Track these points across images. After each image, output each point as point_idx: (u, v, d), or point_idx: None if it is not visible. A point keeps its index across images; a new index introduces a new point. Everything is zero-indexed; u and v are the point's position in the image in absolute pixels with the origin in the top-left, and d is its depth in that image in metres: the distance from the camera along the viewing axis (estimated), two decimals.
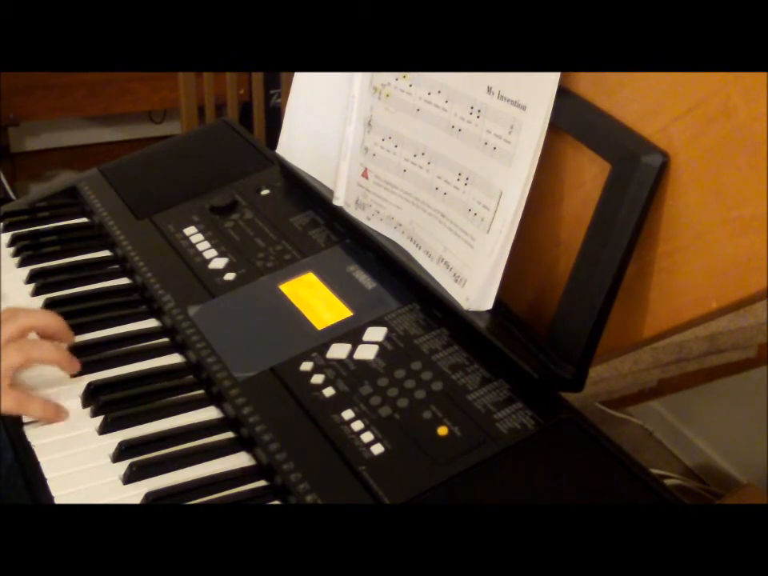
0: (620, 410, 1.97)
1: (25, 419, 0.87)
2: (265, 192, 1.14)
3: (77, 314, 1.00)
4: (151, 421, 0.87)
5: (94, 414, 0.88)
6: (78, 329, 0.97)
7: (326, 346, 0.89)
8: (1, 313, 0.88)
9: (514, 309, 0.89)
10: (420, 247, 0.95)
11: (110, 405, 0.88)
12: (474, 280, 0.87)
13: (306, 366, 0.88)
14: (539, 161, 0.83)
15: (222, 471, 0.81)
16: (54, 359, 0.89)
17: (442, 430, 0.79)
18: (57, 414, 0.87)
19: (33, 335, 0.90)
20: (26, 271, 1.08)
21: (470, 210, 0.89)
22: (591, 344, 0.81)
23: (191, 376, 0.92)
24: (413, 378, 0.84)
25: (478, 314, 0.87)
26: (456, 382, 0.83)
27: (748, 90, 0.73)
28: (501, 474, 0.76)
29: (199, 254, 1.05)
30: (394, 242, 0.98)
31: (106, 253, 1.12)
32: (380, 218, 1.00)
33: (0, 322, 0.86)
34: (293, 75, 1.12)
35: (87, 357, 0.93)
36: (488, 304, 0.87)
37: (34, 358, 0.87)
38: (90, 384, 0.90)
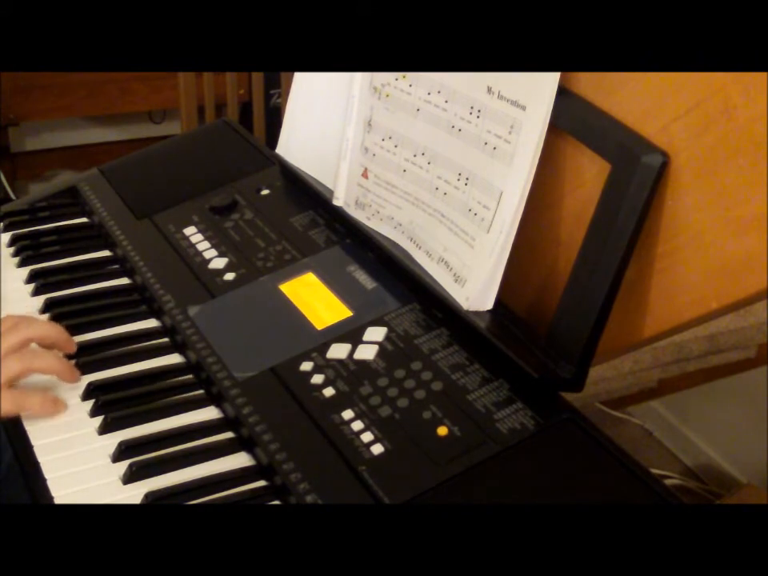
0: (620, 410, 1.97)
1: (23, 415, 0.87)
2: (265, 192, 1.14)
3: (77, 313, 1.00)
4: (151, 421, 0.87)
5: (94, 414, 0.88)
6: (78, 329, 0.97)
7: (326, 346, 0.89)
8: (1, 322, 0.88)
9: (514, 309, 0.89)
10: (420, 247, 0.95)
11: (110, 405, 0.88)
12: (473, 280, 0.87)
13: (306, 366, 0.88)
14: (539, 161, 0.83)
15: (221, 471, 0.81)
16: (55, 369, 0.89)
17: (442, 430, 0.79)
18: (55, 407, 0.88)
19: (34, 345, 0.90)
20: (26, 271, 1.08)
21: (470, 210, 0.89)
22: (591, 344, 0.81)
23: (191, 376, 0.92)
24: (413, 378, 0.84)
25: (478, 314, 0.87)
26: (456, 382, 0.83)
27: (748, 90, 0.73)
28: (501, 474, 0.76)
29: (199, 253, 1.05)
30: (394, 242, 0.98)
31: (106, 253, 1.12)
32: (380, 217, 1.00)
33: (0, 332, 0.87)
34: (293, 75, 1.12)
35: (87, 357, 0.93)
36: (488, 304, 0.87)
37: (34, 368, 0.88)
38: (89, 384, 0.90)
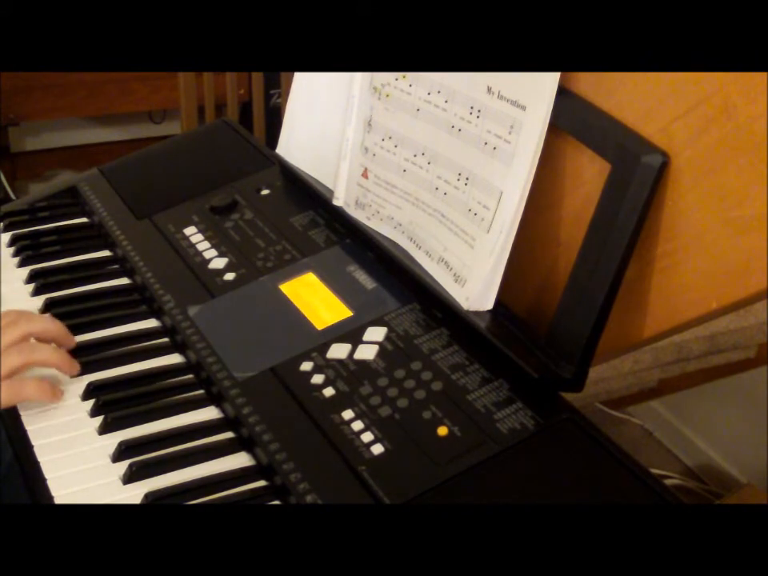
0: (620, 410, 1.97)
1: (23, 414, 0.87)
2: (265, 192, 1.14)
3: (77, 313, 1.00)
4: (151, 421, 0.87)
5: (94, 414, 0.88)
6: (78, 329, 0.97)
7: (326, 346, 0.89)
8: (1, 317, 0.88)
9: (514, 309, 0.89)
10: (420, 247, 0.95)
11: (110, 405, 0.88)
12: (474, 280, 0.87)
13: (306, 365, 0.88)
14: (539, 161, 0.83)
15: (221, 471, 0.81)
16: (54, 362, 0.90)
17: (442, 430, 0.79)
18: (53, 393, 0.88)
19: (33, 339, 0.91)
20: (26, 271, 1.08)
21: (470, 210, 0.89)
22: (591, 344, 0.81)
23: (191, 376, 0.92)
24: (413, 377, 0.84)
25: (478, 314, 0.87)
26: (456, 382, 0.83)
27: (748, 90, 0.73)
28: (501, 474, 0.76)
29: (199, 253, 1.05)
30: (394, 242, 0.98)
31: (106, 253, 1.12)
32: (380, 218, 1.00)
33: (0, 327, 0.87)
34: (293, 75, 1.12)
35: (87, 357, 0.93)
36: (488, 304, 0.87)
37: (33, 361, 0.88)
38: (89, 384, 0.90)
